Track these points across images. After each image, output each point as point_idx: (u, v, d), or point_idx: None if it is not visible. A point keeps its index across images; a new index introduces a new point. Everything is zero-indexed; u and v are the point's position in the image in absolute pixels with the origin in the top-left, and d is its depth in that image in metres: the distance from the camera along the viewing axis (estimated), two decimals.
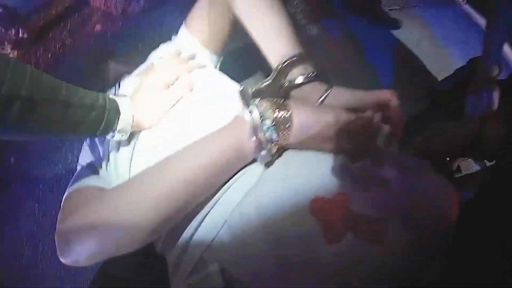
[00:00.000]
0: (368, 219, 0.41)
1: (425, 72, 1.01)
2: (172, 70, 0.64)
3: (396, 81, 0.99)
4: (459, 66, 0.88)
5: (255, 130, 0.45)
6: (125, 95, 0.58)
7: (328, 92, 0.51)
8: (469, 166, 0.69)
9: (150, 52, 0.75)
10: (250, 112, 0.45)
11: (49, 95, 0.42)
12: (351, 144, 0.47)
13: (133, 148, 0.59)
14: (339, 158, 0.47)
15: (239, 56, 0.88)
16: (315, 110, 0.47)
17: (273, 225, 0.43)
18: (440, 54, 1.06)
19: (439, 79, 0.96)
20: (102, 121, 0.50)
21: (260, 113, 0.45)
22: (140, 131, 0.60)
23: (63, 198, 0.55)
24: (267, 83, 0.53)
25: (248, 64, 0.88)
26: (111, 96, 0.54)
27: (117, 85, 0.75)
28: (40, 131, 0.44)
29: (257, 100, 0.47)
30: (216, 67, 0.76)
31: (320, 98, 0.51)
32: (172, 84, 0.63)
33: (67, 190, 0.57)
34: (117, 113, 0.53)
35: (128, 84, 0.71)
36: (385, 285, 0.39)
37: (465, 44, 1.02)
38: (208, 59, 0.73)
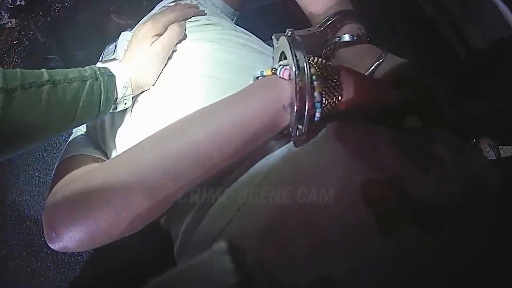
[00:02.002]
0: (430, 208, 0.33)
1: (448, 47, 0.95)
2: (162, 20, 0.56)
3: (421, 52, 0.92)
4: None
5: (301, 96, 0.34)
6: (115, 59, 0.53)
7: (383, 59, 0.45)
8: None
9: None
10: (298, 72, 0.34)
11: (32, 79, 0.39)
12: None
13: (130, 115, 0.52)
14: (386, 129, 0.40)
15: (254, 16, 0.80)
16: (368, 87, 0.39)
17: (308, 208, 0.35)
18: None
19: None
20: (100, 89, 0.45)
21: (311, 77, 0.34)
22: (135, 97, 0.53)
23: (55, 166, 0.48)
24: (313, 32, 0.44)
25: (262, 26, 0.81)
26: (98, 64, 0.50)
27: (116, 41, 0.68)
28: (39, 121, 0.40)
29: (306, 56, 0.35)
30: (232, 21, 0.69)
31: (372, 64, 0.45)
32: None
33: (60, 157, 0.50)
34: (112, 76, 0.47)
35: (124, 39, 0.65)
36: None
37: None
38: (223, 11, 0.67)
